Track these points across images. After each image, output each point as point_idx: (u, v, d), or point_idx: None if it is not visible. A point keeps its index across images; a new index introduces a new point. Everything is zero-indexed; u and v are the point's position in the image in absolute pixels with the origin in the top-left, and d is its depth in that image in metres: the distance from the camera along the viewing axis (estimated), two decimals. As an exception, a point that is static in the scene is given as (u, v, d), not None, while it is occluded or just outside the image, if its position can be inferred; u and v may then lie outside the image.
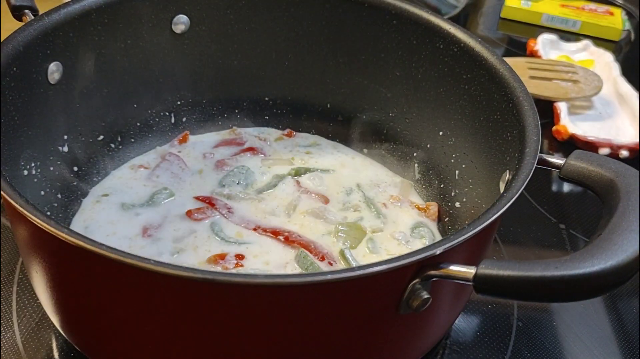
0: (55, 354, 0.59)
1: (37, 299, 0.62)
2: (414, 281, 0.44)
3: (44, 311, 0.62)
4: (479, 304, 0.68)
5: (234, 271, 0.61)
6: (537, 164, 0.51)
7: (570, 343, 0.66)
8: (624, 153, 0.88)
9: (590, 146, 0.89)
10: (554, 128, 0.93)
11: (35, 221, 0.42)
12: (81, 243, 0.41)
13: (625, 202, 0.47)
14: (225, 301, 0.43)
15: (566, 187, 0.86)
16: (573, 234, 0.78)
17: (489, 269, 0.42)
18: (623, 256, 0.42)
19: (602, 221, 0.46)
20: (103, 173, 0.71)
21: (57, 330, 0.60)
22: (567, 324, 0.68)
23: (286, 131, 0.79)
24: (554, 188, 0.87)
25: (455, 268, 0.43)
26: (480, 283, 0.42)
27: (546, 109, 0.95)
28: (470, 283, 0.43)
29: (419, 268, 0.44)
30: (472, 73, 0.64)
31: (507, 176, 0.56)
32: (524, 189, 0.49)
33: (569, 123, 0.92)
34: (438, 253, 0.43)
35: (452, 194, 0.69)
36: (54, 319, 0.55)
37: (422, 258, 0.43)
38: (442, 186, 0.70)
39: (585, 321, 0.68)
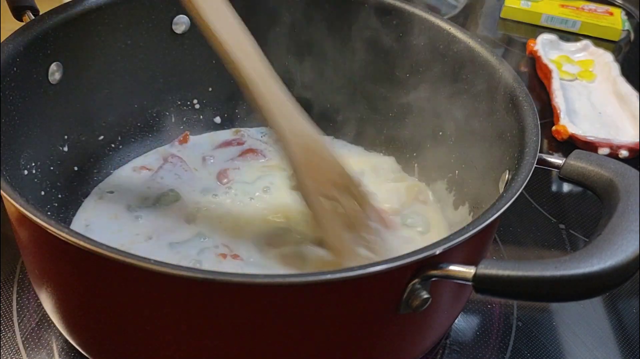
0: (56, 354, 0.59)
1: (37, 299, 0.63)
2: (413, 281, 0.44)
3: (44, 311, 0.62)
4: (479, 304, 0.68)
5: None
6: (536, 164, 0.51)
7: (570, 343, 0.66)
8: (624, 153, 0.88)
9: (590, 146, 0.89)
10: (554, 128, 0.93)
11: (36, 221, 0.42)
12: (81, 243, 0.41)
13: (624, 202, 0.47)
14: (225, 301, 0.43)
15: (566, 187, 0.86)
16: (573, 234, 0.78)
17: (488, 269, 0.42)
18: (623, 256, 0.42)
19: (601, 221, 0.46)
20: (104, 173, 0.71)
21: (58, 330, 0.60)
22: (567, 324, 0.68)
23: (287, 130, 0.79)
24: (554, 188, 0.87)
25: (455, 268, 0.43)
26: (480, 282, 0.42)
27: (546, 109, 0.96)
28: (470, 283, 0.43)
29: (418, 268, 0.44)
30: (472, 73, 0.64)
31: (507, 176, 0.56)
32: (524, 189, 0.49)
33: (569, 123, 0.92)
34: (438, 252, 0.43)
35: (452, 194, 0.69)
36: (55, 319, 0.55)
37: (421, 257, 0.43)
38: (441, 186, 0.70)
39: (585, 321, 0.68)
